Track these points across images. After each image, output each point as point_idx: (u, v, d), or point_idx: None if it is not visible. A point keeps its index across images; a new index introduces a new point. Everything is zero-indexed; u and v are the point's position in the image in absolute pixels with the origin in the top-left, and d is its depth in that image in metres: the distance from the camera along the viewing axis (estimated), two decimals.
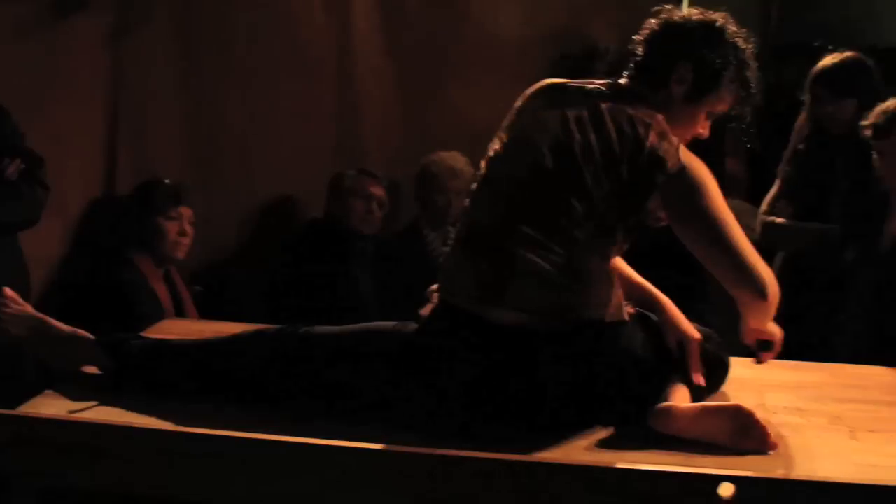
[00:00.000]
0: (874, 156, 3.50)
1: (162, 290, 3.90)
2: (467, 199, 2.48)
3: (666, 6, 2.54)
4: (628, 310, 2.42)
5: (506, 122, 2.48)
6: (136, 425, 2.27)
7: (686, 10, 2.54)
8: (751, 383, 2.74)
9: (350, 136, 4.70)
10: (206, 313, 3.97)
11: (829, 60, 3.94)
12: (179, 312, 3.87)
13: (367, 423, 2.27)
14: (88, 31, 3.79)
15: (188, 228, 3.94)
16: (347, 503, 2.14)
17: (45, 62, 3.62)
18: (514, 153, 2.41)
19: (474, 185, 2.47)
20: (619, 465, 2.11)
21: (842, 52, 4.00)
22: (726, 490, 2.01)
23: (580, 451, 2.23)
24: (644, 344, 2.43)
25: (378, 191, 4.45)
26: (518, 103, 2.49)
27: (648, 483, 2.05)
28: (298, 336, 2.44)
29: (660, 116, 2.38)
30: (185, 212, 3.94)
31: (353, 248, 4.37)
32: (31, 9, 3.56)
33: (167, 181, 3.97)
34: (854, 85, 3.84)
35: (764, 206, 3.94)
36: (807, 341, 3.59)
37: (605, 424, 2.35)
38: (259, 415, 2.33)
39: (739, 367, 2.84)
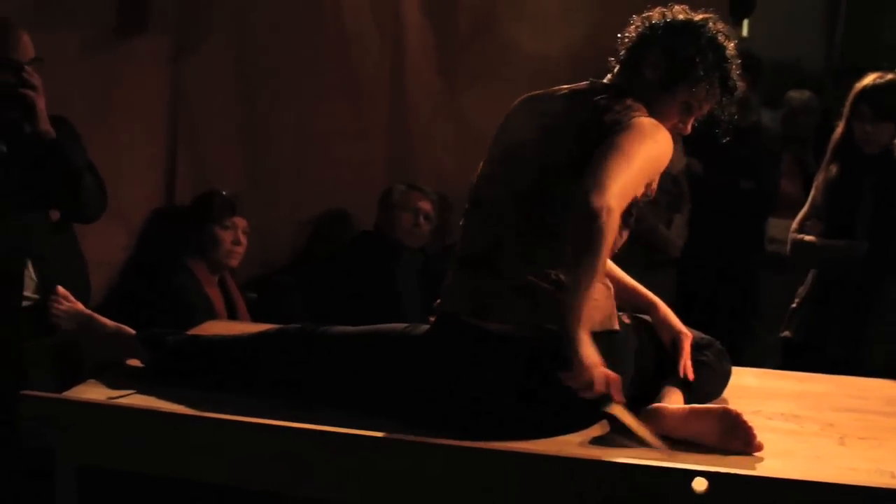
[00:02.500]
0: None
1: (216, 296, 4.10)
2: (462, 219, 2.62)
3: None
4: (623, 318, 2.54)
5: (491, 142, 2.63)
6: (164, 410, 2.49)
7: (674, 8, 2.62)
8: (754, 391, 2.86)
9: (401, 151, 4.86)
10: (259, 319, 4.15)
11: (873, 80, 3.97)
12: (233, 317, 4.05)
13: (373, 413, 2.44)
14: (149, 51, 3.98)
15: (242, 238, 4.14)
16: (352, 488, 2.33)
17: (109, 80, 3.81)
18: (496, 174, 2.55)
19: (466, 206, 2.61)
20: (602, 459, 2.25)
21: (885, 72, 4.06)
22: (700, 485, 2.15)
23: (573, 446, 2.37)
24: (640, 349, 2.55)
25: (425, 205, 4.62)
26: (502, 121, 2.64)
27: (628, 475, 2.19)
28: (317, 334, 2.64)
29: (629, 100, 2.47)
30: (240, 222, 4.14)
31: (400, 260, 4.55)
32: (94, 30, 3.75)
33: (224, 193, 4.15)
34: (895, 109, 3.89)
35: (794, 224, 4.01)
36: (835, 356, 3.71)
37: (595, 424, 2.48)
38: (275, 403, 2.51)
39: (746, 376, 2.98)
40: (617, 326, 2.47)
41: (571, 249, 2.27)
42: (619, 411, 2.31)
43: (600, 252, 2.24)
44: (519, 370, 2.39)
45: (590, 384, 2.21)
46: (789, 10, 6.81)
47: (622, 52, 2.62)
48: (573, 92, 2.57)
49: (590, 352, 2.22)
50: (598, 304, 2.42)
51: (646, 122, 2.44)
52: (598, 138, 2.40)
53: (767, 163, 5.42)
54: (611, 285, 2.51)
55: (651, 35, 2.58)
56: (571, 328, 2.21)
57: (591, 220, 2.22)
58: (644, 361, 2.55)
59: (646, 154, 2.38)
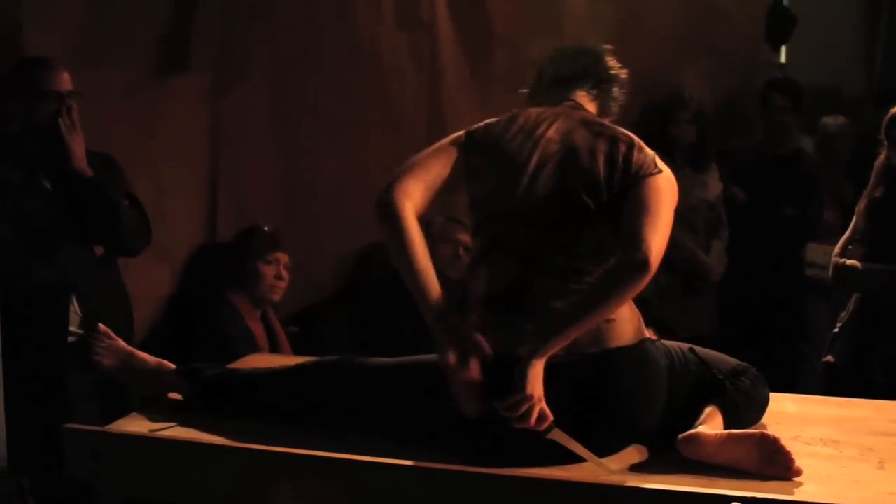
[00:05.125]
0: None
1: (258, 330, 4.15)
2: (475, 251, 2.61)
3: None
4: (651, 336, 2.57)
5: (483, 160, 2.59)
6: (205, 442, 2.53)
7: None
8: (793, 417, 2.85)
9: None
10: (301, 353, 4.17)
11: None
12: (275, 351, 4.09)
13: (408, 443, 2.47)
14: (190, 90, 4.04)
15: (284, 273, 4.19)
16: None
17: (151, 118, 3.88)
18: (508, 206, 2.53)
19: (479, 242, 2.60)
20: (638, 486, 2.26)
21: None
22: None
23: (608, 472, 2.36)
24: (672, 370, 2.57)
25: (465, 237, 4.62)
26: (487, 138, 2.61)
27: (666, 502, 2.20)
28: (353, 365, 2.67)
29: (630, 133, 2.57)
30: (282, 257, 4.19)
31: None
32: (137, 70, 3.83)
33: (265, 228, 4.21)
34: None
35: (837, 248, 3.99)
36: (877, 381, 3.69)
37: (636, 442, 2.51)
38: (313, 434, 2.55)
39: (784, 402, 2.96)
40: (647, 335, 2.52)
41: (601, 288, 2.37)
42: (562, 437, 2.36)
43: (627, 301, 2.41)
44: (556, 396, 2.39)
45: (527, 416, 2.29)
46: (827, 36, 6.78)
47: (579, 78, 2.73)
48: (564, 117, 2.61)
49: (539, 384, 2.30)
50: (629, 317, 2.49)
51: (658, 161, 2.53)
52: (621, 178, 2.48)
53: (811, 189, 5.39)
54: None
55: (603, 64, 2.75)
56: (543, 352, 2.31)
57: (641, 277, 2.33)
58: (675, 384, 2.56)
59: (670, 203, 2.49)
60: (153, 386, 2.87)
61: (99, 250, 3.47)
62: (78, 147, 3.29)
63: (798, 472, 2.35)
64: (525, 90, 2.88)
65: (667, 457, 2.43)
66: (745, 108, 5.93)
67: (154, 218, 3.60)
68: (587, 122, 2.60)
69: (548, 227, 2.49)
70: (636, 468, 2.42)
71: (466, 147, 2.62)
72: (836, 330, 3.96)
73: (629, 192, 2.46)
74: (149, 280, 3.90)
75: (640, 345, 2.48)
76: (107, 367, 2.91)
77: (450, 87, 4.84)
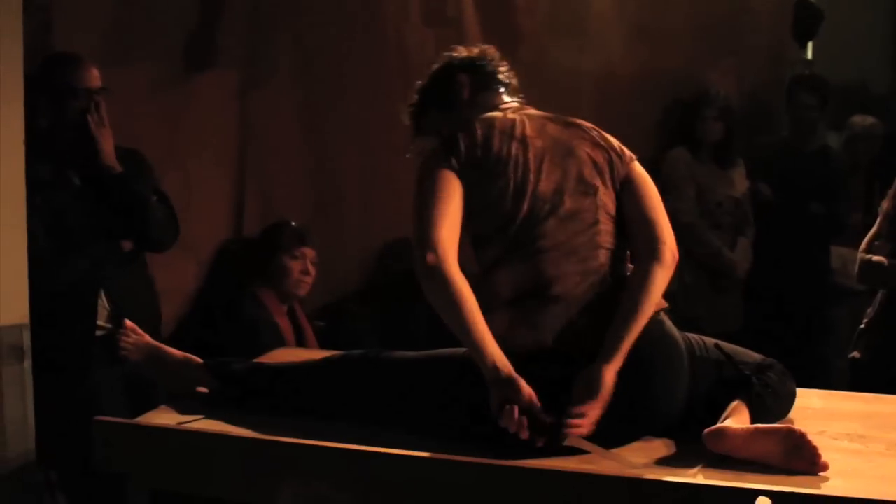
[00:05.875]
0: None
1: (285, 324, 4.17)
2: (488, 258, 2.57)
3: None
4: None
5: (480, 169, 2.58)
6: (234, 434, 2.55)
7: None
8: (819, 412, 2.83)
9: None
10: (327, 347, 4.19)
11: None
12: (301, 346, 4.10)
13: (435, 436, 2.48)
14: (217, 86, 4.06)
15: (311, 268, 4.20)
16: None
17: (179, 114, 3.91)
18: (521, 208, 2.55)
19: (489, 248, 2.57)
20: (666, 479, 2.26)
21: None
22: None
23: (636, 466, 2.37)
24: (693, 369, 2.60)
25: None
26: (481, 153, 2.59)
27: (693, 495, 2.21)
28: (379, 359, 2.69)
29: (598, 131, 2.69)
30: (309, 252, 4.20)
31: None
32: (165, 67, 3.86)
33: (292, 223, 4.23)
34: None
35: (863, 244, 3.97)
36: None
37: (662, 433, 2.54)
38: (340, 427, 2.56)
39: (811, 397, 2.95)
40: (667, 305, 2.59)
41: (642, 288, 2.49)
42: (579, 441, 2.37)
43: None
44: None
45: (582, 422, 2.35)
46: (854, 32, 6.74)
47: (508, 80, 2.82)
48: (525, 115, 2.67)
49: (611, 391, 2.38)
50: None
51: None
52: (613, 156, 2.62)
53: (837, 186, 5.37)
54: None
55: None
56: (614, 358, 2.40)
57: (673, 266, 2.56)
58: (696, 367, 2.60)
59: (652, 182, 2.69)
60: (180, 380, 2.89)
61: (127, 245, 3.50)
62: (106, 143, 3.32)
63: (824, 467, 2.35)
64: (410, 106, 2.97)
65: (693, 450, 2.43)
66: (772, 104, 5.91)
67: (182, 213, 3.62)
68: (546, 117, 2.68)
69: (564, 217, 2.54)
70: (662, 461, 2.42)
71: (455, 167, 2.59)
72: (862, 326, 3.94)
73: (623, 184, 2.60)
74: (176, 275, 3.93)
75: (656, 317, 2.53)
76: (134, 362, 2.94)
77: None
